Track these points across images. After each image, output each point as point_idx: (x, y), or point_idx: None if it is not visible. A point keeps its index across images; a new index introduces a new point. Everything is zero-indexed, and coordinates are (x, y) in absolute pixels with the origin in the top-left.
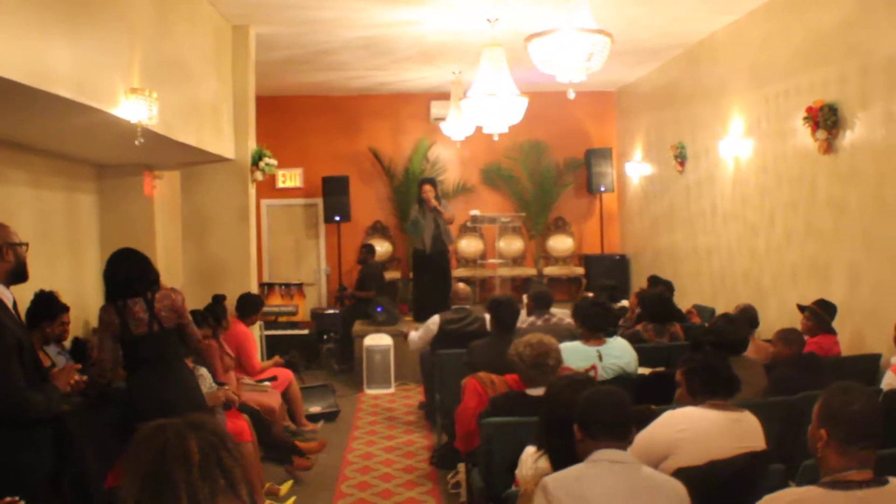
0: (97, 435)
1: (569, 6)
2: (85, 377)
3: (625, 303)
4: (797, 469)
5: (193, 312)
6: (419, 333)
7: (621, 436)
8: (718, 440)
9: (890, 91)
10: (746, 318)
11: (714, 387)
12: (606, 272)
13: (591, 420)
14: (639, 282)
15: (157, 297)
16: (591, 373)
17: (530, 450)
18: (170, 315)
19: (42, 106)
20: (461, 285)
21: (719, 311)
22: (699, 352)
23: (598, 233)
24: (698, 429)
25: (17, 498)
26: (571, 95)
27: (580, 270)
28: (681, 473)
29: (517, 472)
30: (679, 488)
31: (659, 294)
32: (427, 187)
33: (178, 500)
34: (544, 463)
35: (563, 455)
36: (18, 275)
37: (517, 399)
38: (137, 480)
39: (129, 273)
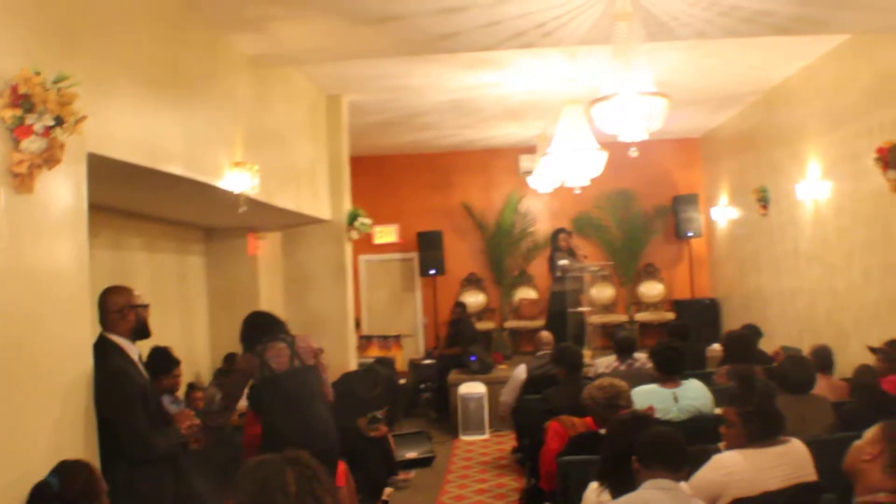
0: (211, 473)
1: (633, 69)
2: (199, 421)
3: (716, 346)
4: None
5: None
6: (508, 387)
7: (674, 468)
8: (767, 474)
9: None
10: (818, 358)
11: (771, 430)
12: (697, 316)
13: (649, 453)
14: (729, 325)
15: (298, 338)
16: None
17: (593, 485)
18: (308, 355)
19: (156, 182)
20: (544, 332)
21: (805, 352)
22: (749, 390)
23: (688, 278)
24: (746, 468)
25: None
26: (634, 153)
27: (671, 316)
28: None
29: None
30: None
31: (742, 335)
32: (564, 236)
33: None
34: (606, 497)
35: (622, 484)
36: (141, 332)
37: (591, 438)
38: None
39: (265, 323)
